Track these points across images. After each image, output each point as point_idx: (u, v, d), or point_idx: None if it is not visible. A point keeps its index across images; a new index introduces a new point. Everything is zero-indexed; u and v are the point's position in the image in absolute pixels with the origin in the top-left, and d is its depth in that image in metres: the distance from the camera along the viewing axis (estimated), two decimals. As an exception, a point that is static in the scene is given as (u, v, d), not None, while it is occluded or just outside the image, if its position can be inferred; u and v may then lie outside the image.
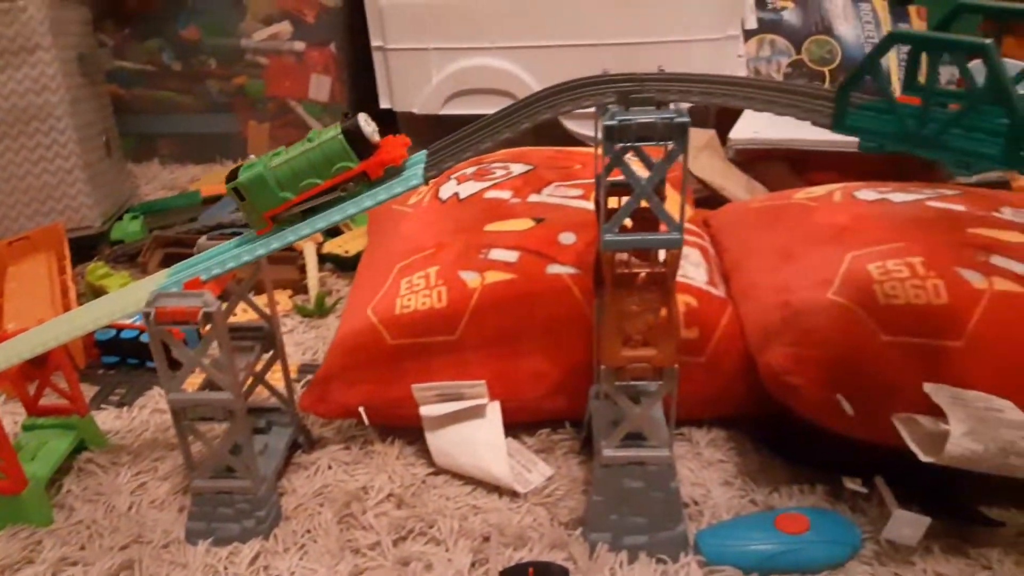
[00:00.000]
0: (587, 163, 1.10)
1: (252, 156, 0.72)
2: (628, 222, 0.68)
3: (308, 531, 0.77)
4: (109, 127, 1.54)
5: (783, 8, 1.65)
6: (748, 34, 1.63)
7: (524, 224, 0.94)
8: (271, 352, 0.85)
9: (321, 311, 1.20)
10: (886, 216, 0.87)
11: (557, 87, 0.71)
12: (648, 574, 0.70)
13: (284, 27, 1.81)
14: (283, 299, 1.24)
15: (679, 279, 0.86)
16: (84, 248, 1.40)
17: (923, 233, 0.82)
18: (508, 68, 1.59)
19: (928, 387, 0.69)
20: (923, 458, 0.66)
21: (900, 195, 0.93)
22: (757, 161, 1.39)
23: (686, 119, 0.59)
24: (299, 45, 1.82)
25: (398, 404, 0.85)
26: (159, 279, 0.76)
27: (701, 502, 0.78)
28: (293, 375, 1.02)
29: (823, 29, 1.63)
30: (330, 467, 0.85)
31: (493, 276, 0.87)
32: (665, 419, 0.75)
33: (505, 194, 1.02)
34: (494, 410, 0.84)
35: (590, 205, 0.97)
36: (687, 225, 0.99)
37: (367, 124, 0.68)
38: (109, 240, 1.45)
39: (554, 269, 0.87)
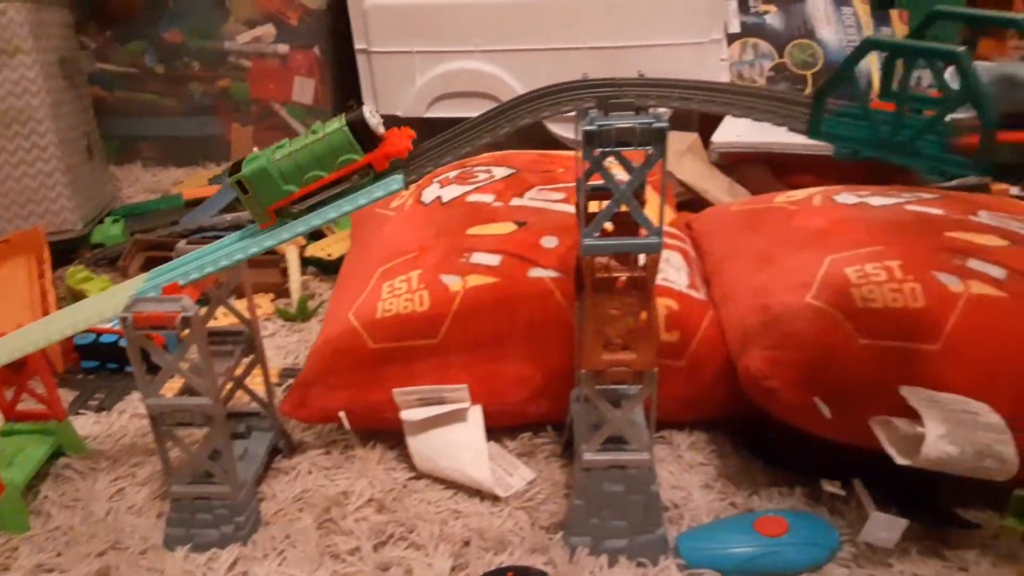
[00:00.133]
0: (569, 167, 1.10)
1: (255, 149, 0.71)
2: (609, 226, 0.68)
3: (287, 536, 0.76)
4: (91, 130, 1.53)
5: (766, 12, 1.66)
6: (731, 38, 1.64)
7: (506, 228, 0.95)
8: (251, 356, 0.85)
9: (303, 315, 1.20)
10: (865, 220, 0.88)
11: (537, 92, 0.72)
12: (628, 578, 0.70)
13: (267, 30, 1.80)
14: (265, 303, 1.24)
15: (660, 282, 0.86)
16: (65, 252, 1.39)
17: (901, 237, 0.83)
18: (492, 71, 1.59)
19: (904, 390, 0.69)
20: (899, 461, 0.66)
21: (879, 199, 0.94)
22: (739, 164, 1.40)
23: (664, 124, 0.59)
24: (283, 48, 1.81)
25: (379, 408, 0.85)
26: (138, 283, 0.75)
27: (681, 505, 0.79)
28: (275, 379, 1.02)
29: (805, 33, 1.64)
30: (310, 472, 0.85)
31: (475, 280, 0.87)
32: (646, 422, 0.75)
33: (487, 198, 1.02)
34: (476, 414, 0.84)
35: (572, 209, 0.97)
36: (669, 228, 1.00)
37: (372, 116, 0.68)
38: (90, 243, 1.44)
39: (536, 273, 0.87)
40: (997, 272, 0.76)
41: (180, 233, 1.39)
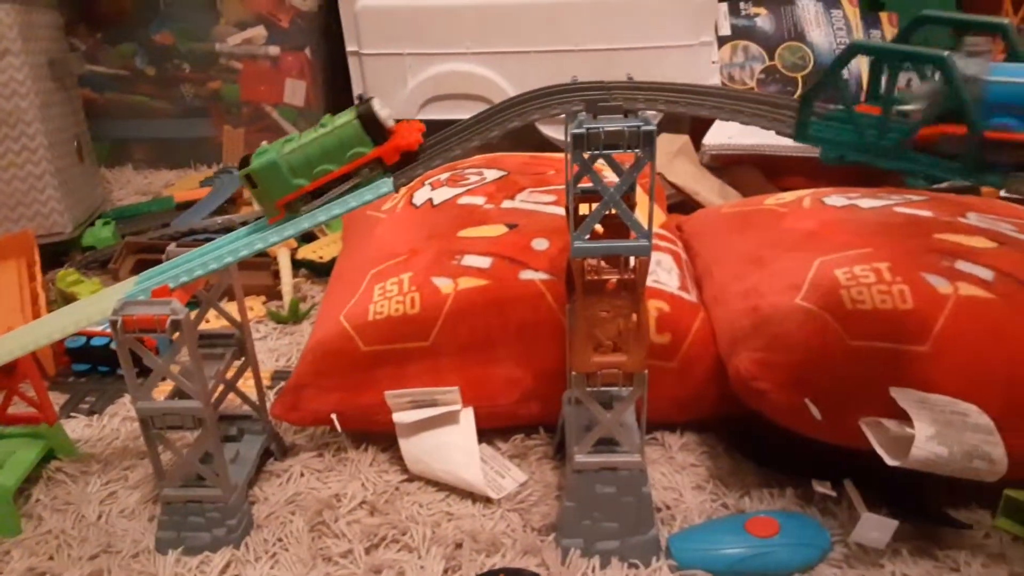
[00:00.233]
0: (560, 169, 1.11)
1: (264, 143, 0.71)
2: (599, 228, 0.69)
3: (280, 540, 0.76)
4: (81, 132, 1.52)
5: (756, 15, 1.67)
6: (721, 40, 1.65)
7: (497, 230, 0.95)
8: (242, 359, 0.85)
9: (295, 317, 1.20)
10: (854, 222, 0.88)
11: (527, 95, 0.72)
12: (619, 579, 0.71)
13: (258, 32, 1.80)
14: (257, 305, 1.24)
15: (651, 284, 0.86)
16: (55, 254, 1.39)
17: (890, 239, 0.83)
18: (484, 73, 1.59)
19: (894, 391, 0.70)
20: (889, 462, 0.67)
21: (868, 201, 0.94)
22: (731, 166, 1.41)
23: (652, 127, 0.59)
24: (274, 50, 1.81)
25: (371, 411, 0.85)
26: (128, 286, 0.75)
27: (673, 506, 0.79)
28: (267, 382, 1.02)
29: (796, 35, 1.65)
30: (302, 475, 0.85)
31: (466, 282, 0.87)
32: (637, 424, 0.75)
33: (479, 200, 1.02)
34: (467, 416, 0.85)
35: (563, 211, 0.98)
36: (660, 230, 1.00)
37: (382, 108, 0.68)
38: (80, 246, 1.43)
39: (527, 275, 0.87)
40: (985, 274, 0.77)
41: (171, 235, 1.39)
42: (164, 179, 1.84)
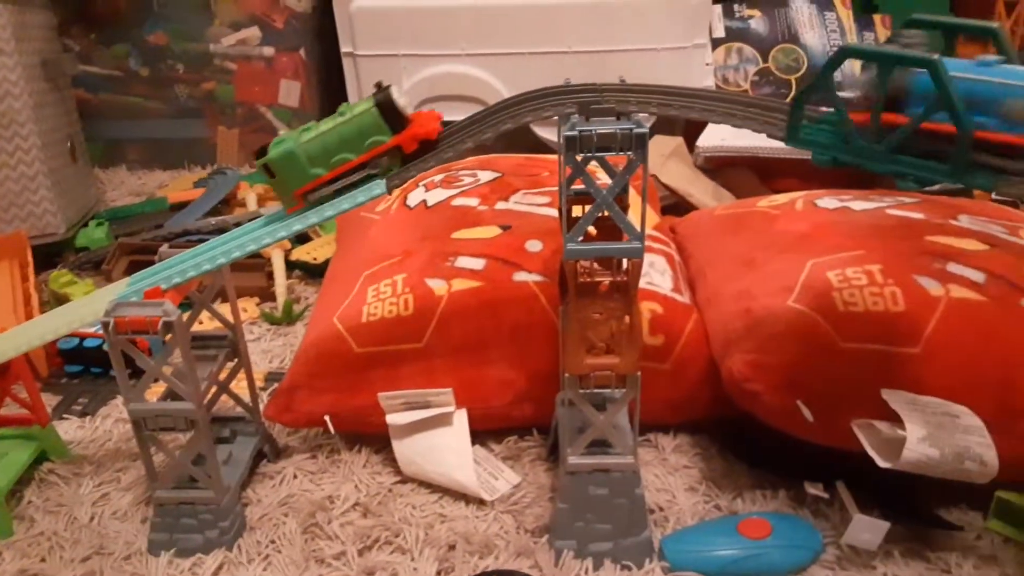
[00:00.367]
0: (554, 171, 1.11)
1: (282, 131, 0.71)
2: (592, 229, 0.69)
3: (272, 541, 0.76)
4: (75, 132, 1.52)
5: (750, 17, 1.67)
6: (716, 42, 1.65)
7: (491, 232, 0.95)
8: (235, 361, 0.84)
9: (289, 318, 1.19)
10: (846, 224, 0.89)
11: (519, 97, 0.72)
12: (612, 581, 0.71)
13: (252, 32, 1.80)
14: (250, 306, 1.23)
15: (645, 286, 0.86)
16: (48, 255, 1.39)
17: (882, 241, 0.83)
18: (478, 75, 1.59)
19: (885, 393, 0.70)
20: (881, 464, 0.67)
21: (860, 203, 0.95)
22: (724, 168, 1.41)
23: (644, 129, 0.59)
24: (268, 50, 1.81)
25: (365, 412, 0.85)
26: (121, 287, 0.75)
27: (666, 508, 0.79)
28: (260, 383, 1.02)
29: (789, 38, 1.65)
30: (296, 476, 0.85)
31: (460, 284, 0.87)
32: (630, 426, 0.76)
33: (472, 201, 1.02)
34: (461, 418, 0.85)
35: (557, 213, 0.98)
36: (653, 232, 1.00)
37: (400, 96, 0.67)
38: (74, 247, 1.43)
39: (521, 277, 0.87)
40: (977, 276, 0.77)
41: (165, 237, 1.39)
42: (158, 180, 1.84)
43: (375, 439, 0.88)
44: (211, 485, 0.74)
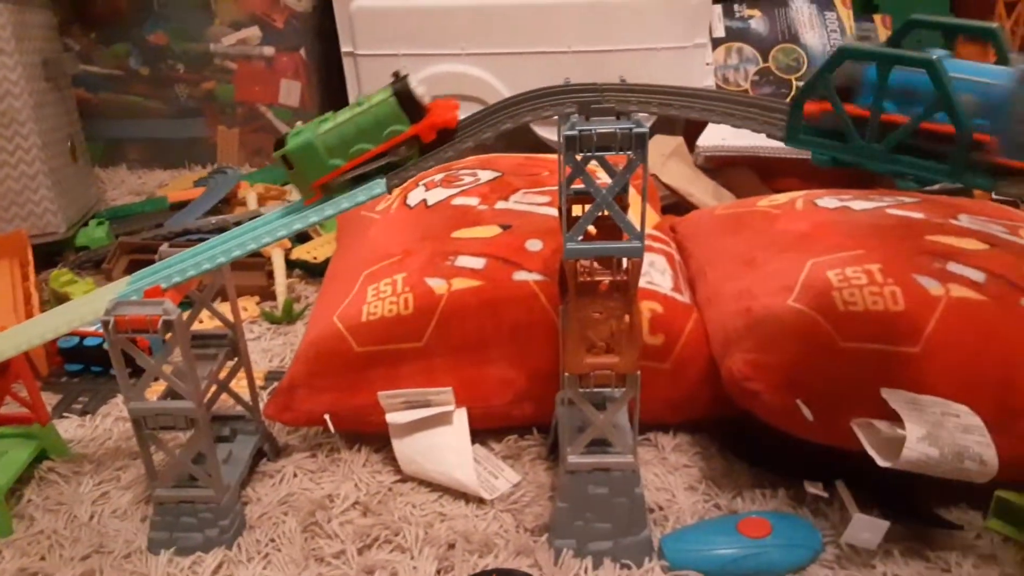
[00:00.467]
0: (554, 170, 1.11)
1: (299, 123, 0.70)
2: (592, 229, 0.69)
3: (272, 540, 0.76)
4: (75, 132, 1.52)
5: (750, 17, 1.67)
6: (716, 42, 1.65)
7: (491, 231, 0.95)
8: (235, 360, 0.85)
9: (289, 317, 1.20)
10: (846, 223, 0.89)
11: (519, 97, 0.72)
12: (612, 580, 0.71)
13: (253, 32, 1.80)
14: (250, 306, 1.24)
15: (645, 285, 0.87)
16: (48, 254, 1.39)
17: (882, 240, 0.83)
18: (478, 74, 1.59)
19: (885, 392, 0.70)
20: (881, 463, 0.67)
21: (860, 203, 0.95)
22: (725, 168, 1.41)
23: (644, 129, 0.59)
24: (268, 50, 1.81)
25: (365, 411, 0.85)
26: (121, 286, 0.75)
27: (666, 507, 0.79)
28: (260, 382, 1.02)
29: (789, 38, 1.65)
30: (295, 475, 0.85)
31: (460, 283, 0.87)
32: (630, 425, 0.76)
33: (473, 201, 1.02)
34: (461, 417, 0.85)
35: (557, 212, 0.98)
36: (654, 231, 1.01)
37: (418, 85, 0.67)
38: (74, 246, 1.43)
39: (521, 276, 0.88)
40: (977, 276, 0.77)
41: (165, 236, 1.39)
42: (158, 179, 1.84)
43: (375, 438, 0.88)
44: (211, 484, 0.74)
